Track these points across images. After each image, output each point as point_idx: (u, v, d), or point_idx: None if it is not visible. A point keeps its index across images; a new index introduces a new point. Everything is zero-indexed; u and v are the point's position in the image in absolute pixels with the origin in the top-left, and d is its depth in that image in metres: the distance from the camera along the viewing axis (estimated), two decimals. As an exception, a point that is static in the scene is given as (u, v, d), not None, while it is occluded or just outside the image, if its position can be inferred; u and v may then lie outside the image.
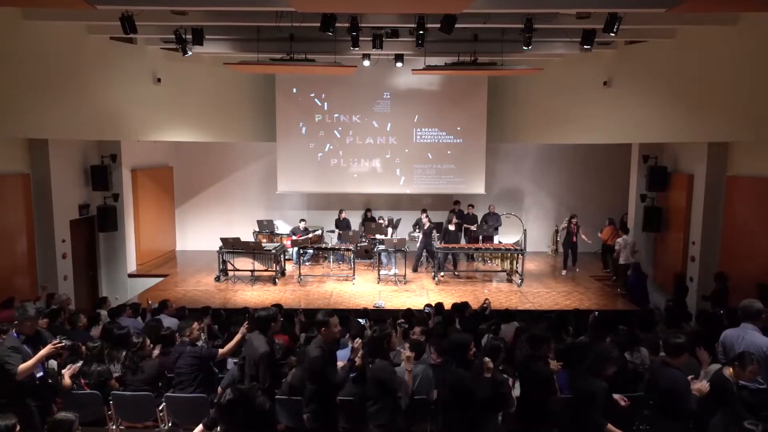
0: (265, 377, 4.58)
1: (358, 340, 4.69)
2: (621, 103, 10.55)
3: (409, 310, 8.22)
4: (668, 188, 11.24)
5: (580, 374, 4.47)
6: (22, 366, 4.46)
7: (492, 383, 4.31)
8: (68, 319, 7.12)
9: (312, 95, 13.02)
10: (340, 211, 13.24)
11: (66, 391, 5.02)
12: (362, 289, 10.99)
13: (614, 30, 7.34)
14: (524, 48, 8.47)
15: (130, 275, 11.89)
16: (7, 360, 4.46)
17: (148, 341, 5.69)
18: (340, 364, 4.76)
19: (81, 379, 5.26)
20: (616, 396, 4.56)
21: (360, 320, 7.51)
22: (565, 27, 8.57)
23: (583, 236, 12.19)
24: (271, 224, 13.12)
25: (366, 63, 10.63)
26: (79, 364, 5.32)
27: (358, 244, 11.84)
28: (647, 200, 11.61)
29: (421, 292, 10.65)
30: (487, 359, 4.34)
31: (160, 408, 5.21)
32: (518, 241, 11.51)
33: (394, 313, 8.37)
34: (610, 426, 4.20)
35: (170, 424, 5.22)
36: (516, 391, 4.78)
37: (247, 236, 12.59)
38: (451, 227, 12.16)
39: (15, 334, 4.72)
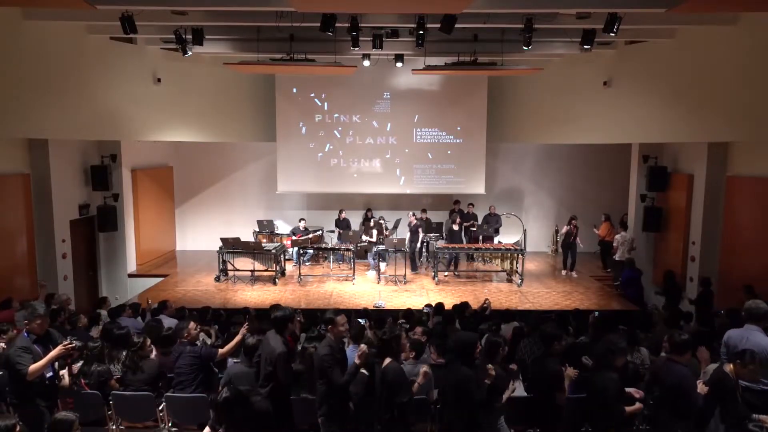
0: (284, 377, 4.58)
1: (363, 346, 4.67)
2: (621, 103, 10.55)
3: (409, 310, 8.22)
4: (668, 188, 11.24)
5: (589, 371, 4.54)
6: (33, 366, 4.44)
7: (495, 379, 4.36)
8: (68, 319, 7.12)
9: (312, 95, 13.02)
10: (340, 211, 13.24)
11: (67, 391, 5.02)
12: (362, 289, 10.99)
13: (614, 30, 7.34)
14: (524, 48, 8.47)
15: (130, 275, 11.89)
16: (18, 360, 4.45)
17: (148, 341, 5.70)
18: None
19: (81, 379, 5.26)
20: (630, 390, 4.66)
21: (360, 320, 7.50)
22: (565, 27, 8.58)
23: (578, 240, 12.06)
24: (271, 224, 13.12)
25: (366, 63, 10.63)
26: (79, 364, 5.32)
27: (358, 244, 11.84)
28: (647, 200, 11.61)
29: (421, 292, 10.65)
30: (489, 366, 4.35)
31: (160, 408, 5.21)
32: (518, 241, 11.51)
33: (394, 313, 8.37)
34: (628, 408, 4.32)
35: (170, 424, 5.22)
36: (517, 391, 4.79)
37: (247, 236, 12.59)
38: (455, 227, 12.18)
39: (26, 334, 4.69)
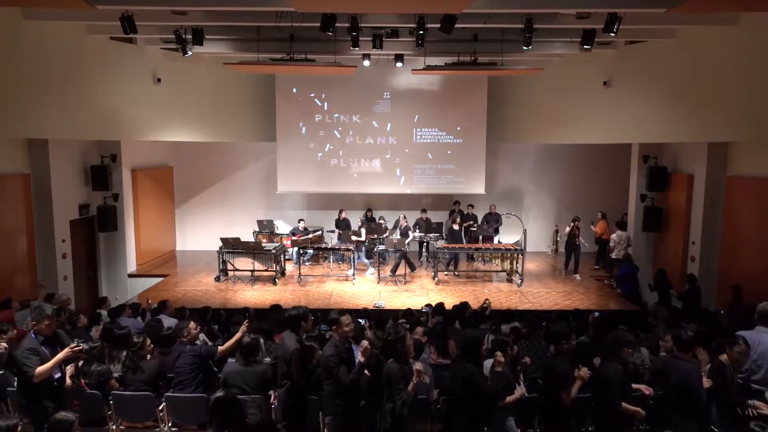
0: (297, 374, 4.58)
1: (365, 343, 4.67)
2: (621, 103, 10.55)
3: (409, 310, 8.23)
4: (668, 188, 11.24)
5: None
6: (40, 368, 4.43)
7: (501, 377, 4.37)
8: (68, 319, 7.11)
9: (312, 95, 13.02)
10: (340, 211, 13.24)
11: (74, 393, 5.01)
12: (362, 289, 10.99)
13: (614, 30, 7.35)
14: (524, 48, 8.47)
15: (130, 275, 11.89)
16: (25, 362, 4.43)
17: (148, 341, 5.70)
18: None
19: (81, 379, 5.25)
20: (640, 386, 4.73)
21: (360, 320, 7.50)
22: (565, 27, 8.58)
23: (581, 240, 12.04)
24: (271, 224, 13.12)
25: (366, 63, 10.63)
26: (79, 363, 5.31)
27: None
28: (647, 200, 11.61)
29: (421, 292, 10.65)
30: (498, 353, 4.35)
31: (160, 408, 5.21)
32: (518, 241, 11.51)
33: (394, 313, 8.36)
34: (624, 405, 4.31)
35: (170, 424, 5.22)
36: (518, 391, 4.79)
37: (247, 236, 12.59)
38: (455, 227, 12.18)
39: (33, 336, 4.66)
